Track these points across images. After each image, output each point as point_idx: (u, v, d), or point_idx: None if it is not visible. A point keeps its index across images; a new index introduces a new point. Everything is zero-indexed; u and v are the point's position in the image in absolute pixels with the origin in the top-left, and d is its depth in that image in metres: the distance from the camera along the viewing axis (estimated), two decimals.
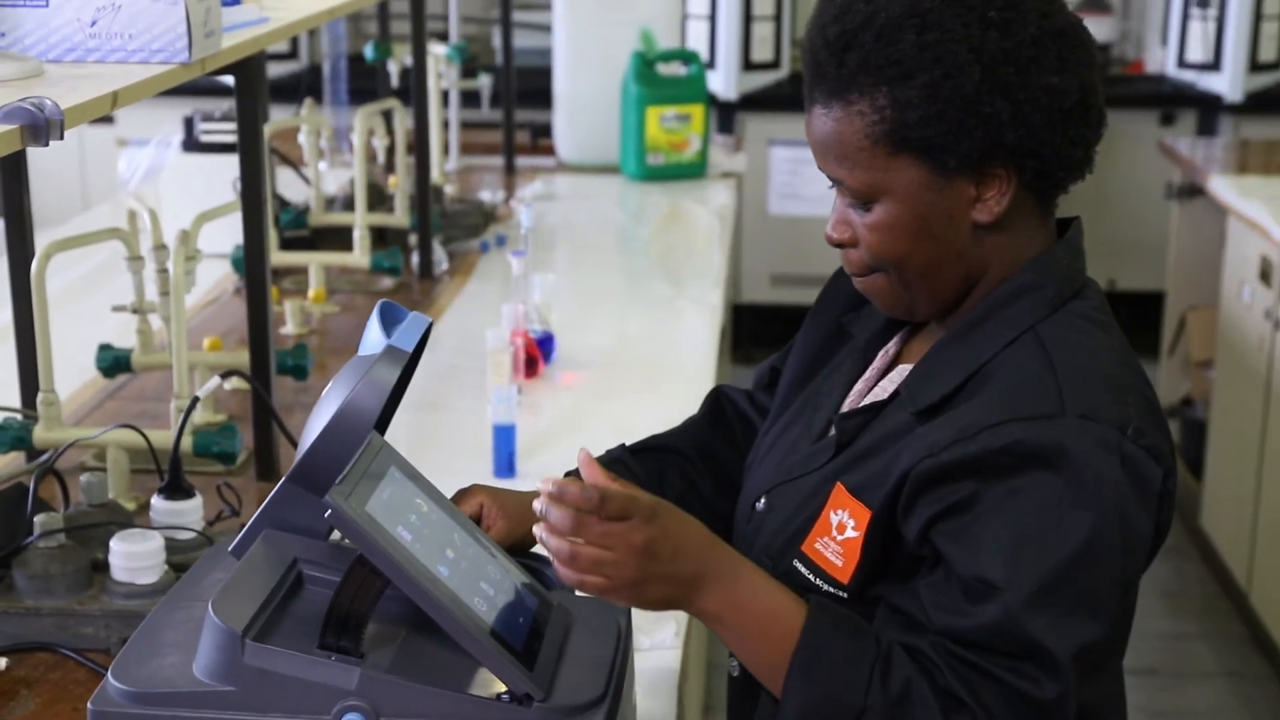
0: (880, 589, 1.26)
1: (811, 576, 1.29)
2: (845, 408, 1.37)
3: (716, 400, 1.60)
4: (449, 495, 1.38)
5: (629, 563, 1.17)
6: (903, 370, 1.34)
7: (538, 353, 2.42)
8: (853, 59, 1.23)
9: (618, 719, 1.21)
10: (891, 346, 1.39)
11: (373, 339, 1.31)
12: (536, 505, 1.18)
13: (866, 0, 1.24)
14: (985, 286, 1.29)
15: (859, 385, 1.38)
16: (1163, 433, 1.25)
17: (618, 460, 1.53)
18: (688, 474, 1.53)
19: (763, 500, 1.37)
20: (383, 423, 1.38)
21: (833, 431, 1.34)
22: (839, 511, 1.27)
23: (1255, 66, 5.12)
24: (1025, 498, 1.17)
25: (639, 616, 1.45)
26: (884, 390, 1.34)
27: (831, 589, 1.27)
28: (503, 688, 1.17)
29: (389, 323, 1.32)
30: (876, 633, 1.20)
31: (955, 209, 1.25)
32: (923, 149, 1.23)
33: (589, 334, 2.66)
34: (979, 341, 1.27)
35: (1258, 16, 5.07)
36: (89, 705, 1.17)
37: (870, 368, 1.39)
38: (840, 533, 1.27)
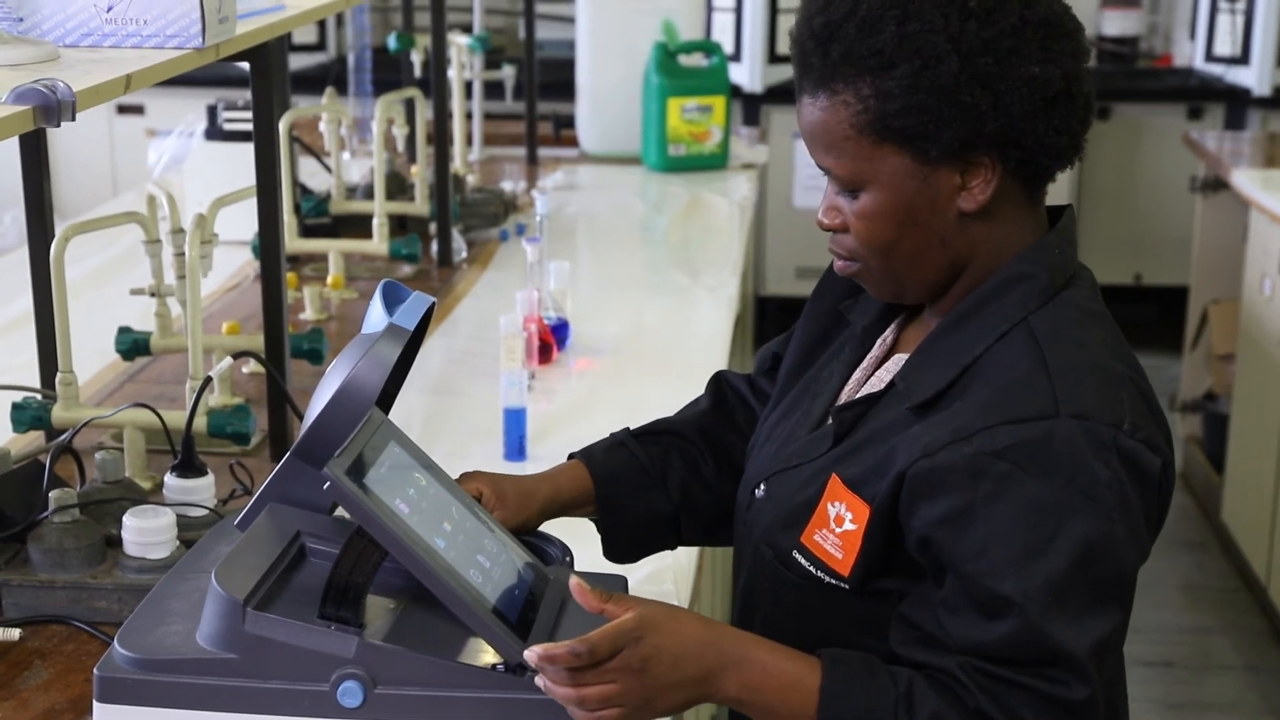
0: (884, 583, 1.27)
1: (811, 568, 1.30)
2: (843, 397, 1.38)
3: (718, 385, 1.61)
4: (455, 478, 1.40)
5: (634, 687, 1.18)
6: (899, 359, 1.35)
7: (552, 339, 2.45)
8: (836, 50, 1.25)
9: None
10: (889, 334, 1.40)
11: (375, 317, 1.33)
12: (530, 660, 1.17)
13: None
14: (973, 274, 1.30)
15: (856, 374, 1.39)
16: (1158, 422, 1.26)
17: (620, 444, 1.54)
18: (690, 457, 1.54)
19: (761, 487, 1.38)
20: (387, 400, 1.40)
21: (830, 421, 1.35)
22: (836, 504, 1.28)
23: None
24: (1024, 505, 1.18)
25: (638, 594, 1.47)
26: (880, 381, 1.35)
27: (832, 580, 1.29)
28: (497, 658, 1.19)
29: (392, 302, 1.34)
30: (892, 672, 1.21)
31: (940, 197, 1.26)
32: (905, 139, 1.24)
33: (605, 322, 2.68)
34: (972, 333, 1.27)
35: None
36: (95, 671, 1.20)
37: (868, 356, 1.40)
38: (839, 525, 1.28)
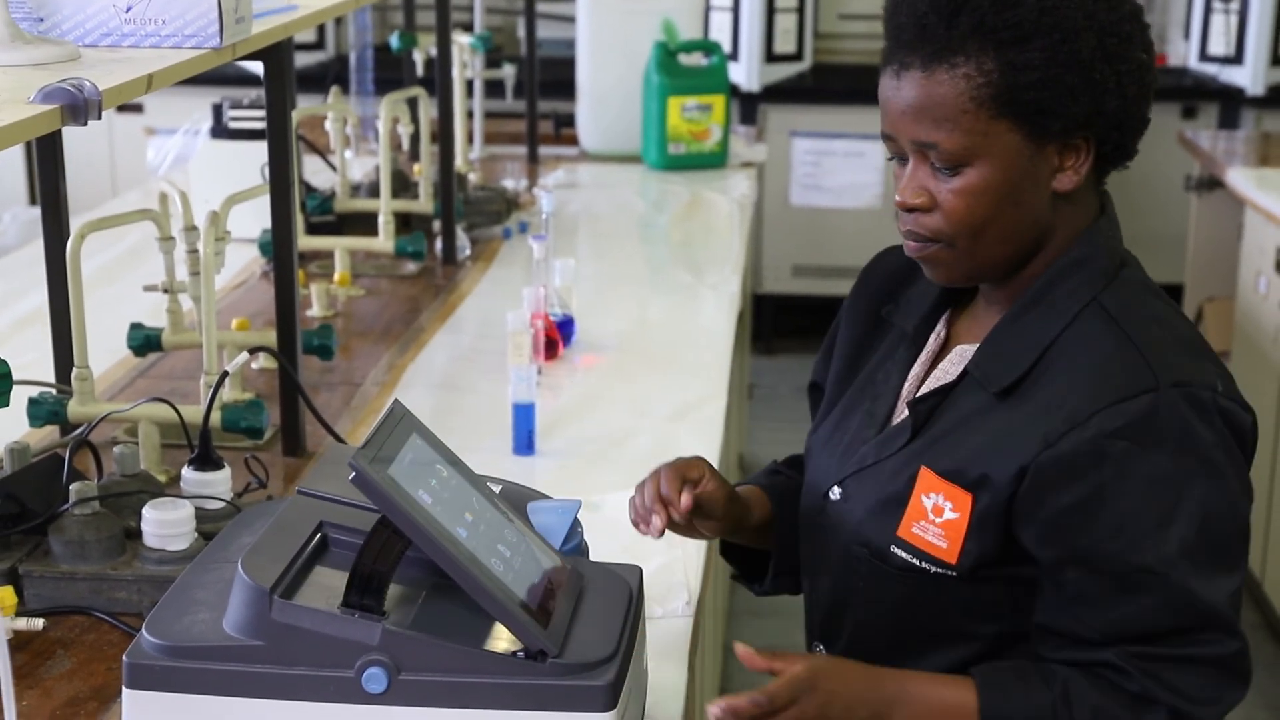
0: (993, 571, 1.30)
1: (915, 560, 1.33)
2: (904, 393, 1.41)
3: None
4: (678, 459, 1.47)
5: None
6: (962, 350, 1.38)
7: (557, 335, 2.47)
8: (965, 22, 1.27)
9: (628, 678, 1.25)
10: (941, 329, 1.43)
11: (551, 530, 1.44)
12: (713, 714, 1.25)
13: None
14: (1046, 256, 1.33)
15: (915, 369, 1.42)
16: (1234, 383, 1.31)
17: (776, 471, 1.57)
18: None
19: (836, 490, 1.40)
20: None
21: (903, 416, 1.38)
22: (932, 495, 1.31)
23: (1277, 60, 5.13)
24: (1147, 478, 1.23)
25: (649, 585, 1.50)
26: (947, 373, 1.38)
27: (939, 569, 1.32)
28: (518, 644, 1.22)
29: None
30: (1045, 674, 1.25)
31: (1041, 176, 1.30)
32: (1028, 112, 1.27)
33: (609, 319, 2.71)
34: (1044, 316, 1.31)
35: None
36: (124, 658, 1.23)
37: (924, 351, 1.42)
38: (938, 515, 1.31)
